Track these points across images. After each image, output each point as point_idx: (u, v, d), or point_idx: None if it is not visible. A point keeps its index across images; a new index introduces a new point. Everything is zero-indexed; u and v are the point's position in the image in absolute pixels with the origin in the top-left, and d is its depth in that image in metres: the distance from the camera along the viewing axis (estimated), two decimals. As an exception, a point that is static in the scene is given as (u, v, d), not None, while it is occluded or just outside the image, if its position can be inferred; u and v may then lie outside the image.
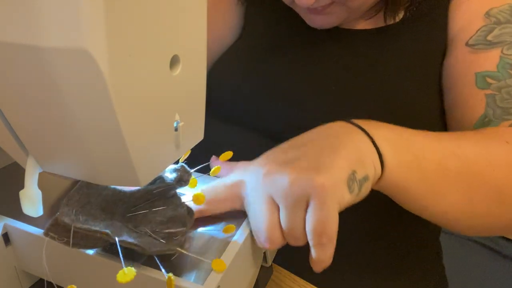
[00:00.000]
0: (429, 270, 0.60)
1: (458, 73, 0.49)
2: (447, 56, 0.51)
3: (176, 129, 0.28)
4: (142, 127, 0.25)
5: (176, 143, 0.29)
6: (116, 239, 0.29)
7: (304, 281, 0.43)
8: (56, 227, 0.30)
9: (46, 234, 0.30)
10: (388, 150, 0.35)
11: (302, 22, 0.55)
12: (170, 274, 0.28)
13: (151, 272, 0.31)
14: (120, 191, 0.33)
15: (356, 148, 0.33)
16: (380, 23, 0.54)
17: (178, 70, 0.26)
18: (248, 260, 0.36)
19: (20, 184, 0.29)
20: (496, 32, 0.47)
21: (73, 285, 0.28)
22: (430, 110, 0.51)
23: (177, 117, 0.28)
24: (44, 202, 0.31)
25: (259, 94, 0.54)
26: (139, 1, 0.21)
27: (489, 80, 0.46)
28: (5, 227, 0.37)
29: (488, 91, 0.46)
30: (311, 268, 0.34)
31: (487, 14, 0.48)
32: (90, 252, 0.33)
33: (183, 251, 0.32)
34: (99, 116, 0.23)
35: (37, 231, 0.36)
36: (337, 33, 0.55)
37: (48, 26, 0.19)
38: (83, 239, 0.31)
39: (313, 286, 0.43)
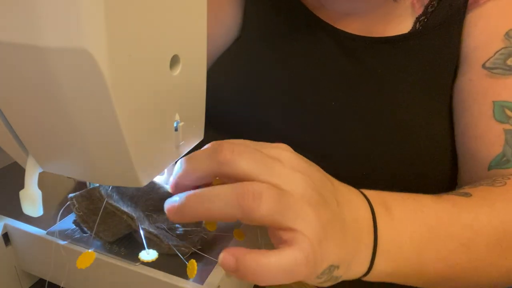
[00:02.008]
0: None
1: (473, 98, 0.44)
2: (459, 75, 0.47)
3: (176, 129, 0.28)
4: (142, 127, 0.25)
5: (176, 143, 0.29)
6: (140, 226, 0.30)
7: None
8: (82, 198, 0.30)
9: (70, 198, 0.31)
10: (384, 261, 0.30)
11: (304, 26, 0.53)
12: (193, 260, 0.30)
13: (151, 272, 0.31)
14: (148, 186, 0.33)
15: (355, 244, 0.29)
16: (386, 31, 0.50)
17: (178, 70, 0.26)
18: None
19: (20, 184, 0.29)
20: None
21: (92, 252, 0.29)
22: (438, 132, 0.47)
23: (177, 117, 0.28)
24: (44, 202, 0.31)
25: (259, 99, 0.53)
26: (139, 1, 0.21)
27: (509, 113, 0.42)
28: (5, 227, 0.37)
29: (507, 126, 0.42)
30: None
31: (507, 36, 0.44)
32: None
33: (197, 251, 0.32)
34: (99, 116, 0.23)
35: (37, 231, 0.36)
36: (339, 38, 0.52)
37: (48, 26, 0.19)
38: (104, 231, 0.31)
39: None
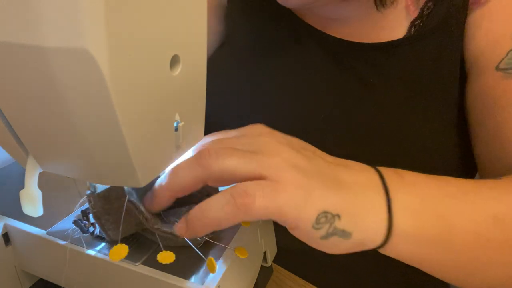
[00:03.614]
0: None
1: (494, 102, 0.41)
2: (471, 81, 0.44)
3: (176, 129, 0.28)
4: (142, 127, 0.25)
5: (176, 143, 0.29)
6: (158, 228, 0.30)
7: (304, 281, 0.43)
8: (99, 198, 0.31)
9: (88, 196, 0.31)
10: (405, 220, 0.28)
11: (291, 33, 0.50)
12: (211, 257, 0.30)
13: (151, 272, 0.31)
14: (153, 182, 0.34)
15: (361, 201, 0.28)
16: (379, 37, 0.47)
17: (178, 70, 0.26)
18: (248, 260, 0.36)
19: (20, 184, 0.29)
20: None
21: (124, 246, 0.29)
22: (435, 144, 0.44)
23: (177, 117, 0.28)
24: (44, 202, 0.31)
25: (244, 112, 0.50)
26: (139, 1, 0.21)
27: None
28: (5, 227, 0.37)
29: None
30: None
31: None
32: (92, 253, 0.33)
33: (210, 240, 0.33)
34: (99, 116, 0.23)
35: (37, 231, 0.36)
36: (328, 45, 0.49)
37: (48, 26, 0.19)
38: (114, 230, 0.32)
39: (313, 286, 0.43)
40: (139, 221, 0.31)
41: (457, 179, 0.32)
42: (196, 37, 0.27)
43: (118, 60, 0.21)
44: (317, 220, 0.26)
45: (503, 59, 0.42)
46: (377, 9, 0.44)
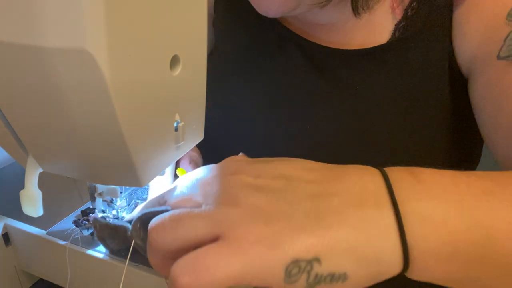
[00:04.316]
0: None
1: (503, 92, 0.38)
2: (474, 80, 0.42)
3: (176, 129, 0.28)
4: (143, 127, 0.25)
5: (176, 143, 0.29)
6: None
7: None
8: (106, 228, 0.31)
9: (94, 220, 0.32)
10: (427, 236, 0.22)
11: (274, 41, 0.49)
12: None
13: (151, 272, 0.31)
14: None
15: (354, 228, 0.22)
16: (364, 41, 0.46)
17: (178, 70, 0.26)
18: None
19: (20, 184, 0.29)
20: None
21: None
22: (424, 150, 0.42)
23: (177, 117, 0.28)
24: (44, 202, 0.31)
25: (227, 125, 0.49)
26: (139, 1, 0.21)
27: None
28: (5, 227, 0.37)
29: None
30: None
31: (510, 16, 0.39)
32: (92, 253, 0.33)
33: None
34: (99, 116, 0.23)
35: (37, 231, 0.36)
36: (312, 53, 0.47)
37: (48, 26, 0.19)
38: (115, 245, 0.32)
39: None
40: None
41: (489, 172, 0.26)
42: (196, 37, 0.27)
43: (118, 60, 0.21)
44: (288, 274, 0.21)
45: (502, 47, 0.39)
46: (355, 16, 0.42)
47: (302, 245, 0.21)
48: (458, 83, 0.44)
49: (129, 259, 0.32)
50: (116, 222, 0.31)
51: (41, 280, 0.41)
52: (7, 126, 0.27)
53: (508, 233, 0.22)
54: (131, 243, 0.29)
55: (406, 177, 0.24)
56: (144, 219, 0.29)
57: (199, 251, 0.21)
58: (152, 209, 0.28)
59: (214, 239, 0.22)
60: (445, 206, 0.22)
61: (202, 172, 0.28)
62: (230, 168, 0.27)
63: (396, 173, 0.24)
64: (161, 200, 0.30)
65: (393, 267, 0.22)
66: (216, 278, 0.20)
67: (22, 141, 0.28)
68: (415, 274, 0.23)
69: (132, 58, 0.22)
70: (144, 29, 0.22)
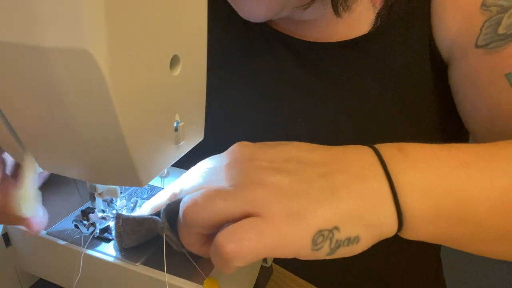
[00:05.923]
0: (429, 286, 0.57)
1: (482, 80, 0.41)
2: (454, 67, 0.44)
3: (176, 129, 0.29)
4: (143, 127, 0.25)
5: (176, 143, 0.29)
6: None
7: (304, 281, 0.43)
8: (133, 220, 0.31)
9: (117, 216, 0.31)
10: (415, 203, 0.26)
11: (259, 40, 0.50)
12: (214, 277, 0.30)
13: (151, 272, 0.31)
14: None
15: (360, 199, 0.26)
16: (347, 34, 0.46)
17: (178, 70, 0.26)
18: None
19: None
20: (506, 21, 0.39)
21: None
22: (412, 136, 0.43)
23: (177, 117, 0.28)
24: (44, 202, 0.31)
25: (221, 122, 0.50)
26: (139, 1, 0.21)
27: None
28: (5, 227, 0.37)
29: None
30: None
31: (484, 6, 0.40)
32: (92, 253, 0.33)
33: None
34: (99, 116, 0.23)
35: (37, 231, 0.36)
36: (296, 49, 0.48)
37: (48, 26, 0.19)
38: (131, 243, 0.32)
39: (313, 286, 0.43)
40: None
41: (469, 145, 0.29)
42: (196, 37, 0.27)
43: (118, 60, 0.21)
44: (314, 243, 0.25)
45: (479, 35, 0.40)
46: (335, 15, 0.43)
47: (323, 217, 0.25)
48: (440, 68, 0.45)
49: (129, 259, 0.32)
50: (142, 215, 0.31)
51: (41, 280, 0.41)
52: (6, 126, 0.27)
53: (481, 197, 0.26)
54: (163, 235, 0.29)
55: (395, 153, 0.28)
56: (169, 211, 0.29)
57: (241, 223, 0.24)
58: (176, 200, 0.29)
59: (245, 216, 0.25)
60: (428, 177, 0.27)
61: (214, 161, 0.30)
62: (244, 155, 0.29)
63: (386, 149, 0.28)
64: (175, 192, 0.32)
65: (391, 228, 0.27)
66: (257, 247, 0.24)
67: (22, 141, 0.28)
68: (407, 234, 0.27)
69: (132, 58, 0.22)
70: (144, 29, 0.22)
